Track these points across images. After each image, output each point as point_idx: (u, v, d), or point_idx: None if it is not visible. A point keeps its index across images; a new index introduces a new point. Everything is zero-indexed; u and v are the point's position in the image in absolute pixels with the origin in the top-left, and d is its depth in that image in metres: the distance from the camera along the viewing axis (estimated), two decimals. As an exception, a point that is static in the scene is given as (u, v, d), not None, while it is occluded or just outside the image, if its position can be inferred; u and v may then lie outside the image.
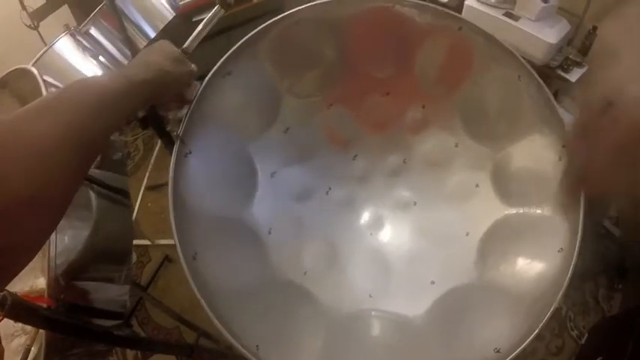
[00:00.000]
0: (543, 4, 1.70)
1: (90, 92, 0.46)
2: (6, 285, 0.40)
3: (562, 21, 1.79)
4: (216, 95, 0.73)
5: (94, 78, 0.51)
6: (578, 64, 1.77)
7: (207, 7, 2.22)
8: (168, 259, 1.85)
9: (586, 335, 1.51)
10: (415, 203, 0.93)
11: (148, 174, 2.15)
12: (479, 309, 0.75)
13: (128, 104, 0.51)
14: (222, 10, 0.68)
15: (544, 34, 1.68)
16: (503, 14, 1.74)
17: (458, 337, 0.72)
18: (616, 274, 1.63)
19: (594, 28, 1.73)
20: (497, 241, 0.80)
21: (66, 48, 1.40)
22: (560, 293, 0.64)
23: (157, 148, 2.21)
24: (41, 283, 0.81)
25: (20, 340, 0.76)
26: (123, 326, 0.83)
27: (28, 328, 0.71)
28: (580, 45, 1.78)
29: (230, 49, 0.74)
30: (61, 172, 0.39)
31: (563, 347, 1.55)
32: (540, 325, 0.61)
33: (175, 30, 1.77)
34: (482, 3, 1.79)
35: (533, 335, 0.61)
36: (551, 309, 0.62)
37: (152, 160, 2.20)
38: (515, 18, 1.72)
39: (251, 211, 0.81)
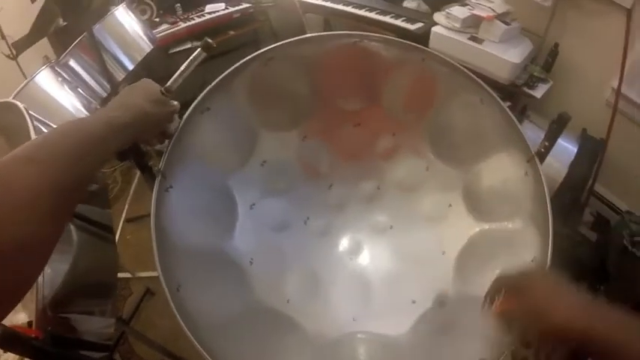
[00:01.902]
0: (506, 27, 1.79)
1: (74, 139, 0.47)
2: None
3: (525, 41, 1.88)
4: (196, 131, 0.74)
5: (76, 123, 0.52)
6: (543, 80, 1.85)
7: (184, 40, 2.29)
8: (150, 292, 1.83)
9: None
10: (391, 227, 0.96)
11: (127, 206, 2.13)
12: (460, 324, 0.77)
13: (110, 146, 0.52)
14: (204, 53, 0.70)
15: (508, 55, 1.77)
16: (469, 38, 1.82)
17: (442, 352, 0.74)
18: (596, 279, 1.66)
19: (556, 46, 1.83)
20: (473, 256, 0.83)
21: (46, 80, 1.41)
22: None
23: (136, 180, 2.20)
24: (22, 319, 0.80)
25: None
26: (108, 358, 0.83)
27: (11, 358, 0.71)
28: (543, 62, 1.88)
29: (204, 80, 0.76)
30: (46, 219, 0.40)
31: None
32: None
33: (153, 61, 1.80)
34: (449, 29, 1.87)
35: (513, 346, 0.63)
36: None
37: (131, 192, 2.18)
38: (480, 41, 1.81)
39: (232, 242, 0.82)
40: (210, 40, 0.69)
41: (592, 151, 1.70)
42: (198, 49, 0.69)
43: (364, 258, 0.95)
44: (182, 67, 0.69)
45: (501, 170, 0.82)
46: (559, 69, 1.89)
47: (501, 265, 0.78)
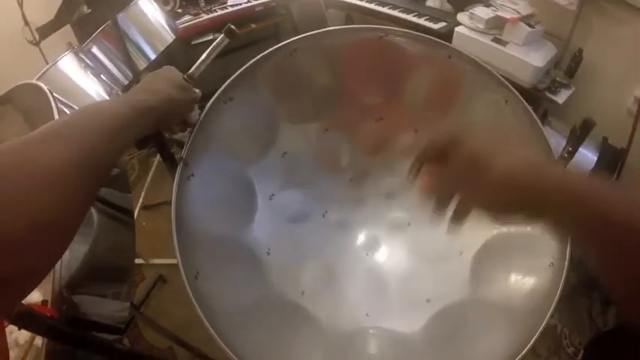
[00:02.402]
0: (530, 29, 1.77)
1: (100, 119, 0.47)
2: (15, 307, 0.40)
3: (548, 44, 1.86)
4: (218, 120, 0.75)
5: (102, 104, 0.52)
6: (565, 86, 1.83)
7: (206, 31, 2.30)
8: (162, 279, 1.85)
9: (582, 352, 1.52)
10: (409, 224, 0.96)
11: (143, 193, 2.16)
12: (473, 325, 0.77)
13: (135, 130, 0.52)
14: (227, 39, 0.70)
15: (531, 58, 1.74)
16: (492, 40, 1.81)
17: (453, 353, 0.74)
18: (609, 289, 1.63)
19: (580, 51, 1.80)
20: (490, 258, 0.82)
21: (69, 65, 1.43)
22: (552, 306, 0.65)
23: (153, 167, 2.22)
24: (35, 298, 0.81)
25: (13, 354, 0.77)
26: (120, 340, 0.84)
27: (21, 340, 0.72)
28: (566, 67, 1.85)
29: (225, 73, 0.76)
30: (72, 198, 0.39)
31: (560, 364, 1.55)
32: (534, 338, 0.63)
33: (175, 52, 1.81)
34: (472, 29, 1.86)
35: (527, 348, 0.63)
36: (544, 322, 0.64)
37: (148, 180, 2.20)
38: (503, 43, 1.79)
39: (250, 232, 0.83)
40: (233, 27, 0.69)
41: (612, 160, 1.68)
42: (221, 36, 0.69)
43: (381, 254, 0.95)
44: (204, 54, 0.70)
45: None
46: (582, 75, 1.86)
47: (517, 269, 0.77)
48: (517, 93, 0.79)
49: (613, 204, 0.37)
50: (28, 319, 0.58)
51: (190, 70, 0.68)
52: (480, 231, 0.85)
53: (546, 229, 0.43)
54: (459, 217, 0.50)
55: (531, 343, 0.63)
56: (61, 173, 0.38)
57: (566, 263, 0.68)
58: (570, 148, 1.50)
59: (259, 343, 0.68)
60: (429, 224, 0.92)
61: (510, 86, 0.79)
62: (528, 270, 0.75)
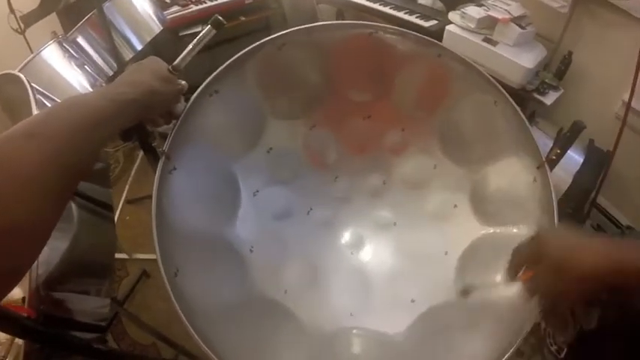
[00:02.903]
0: (521, 30, 1.77)
1: (76, 117, 0.45)
2: None
3: (539, 46, 1.86)
4: (203, 113, 0.73)
5: (80, 98, 0.50)
6: (554, 88, 1.84)
7: (195, 22, 2.26)
8: (146, 274, 1.82)
9: (565, 350, 1.52)
10: (395, 223, 0.95)
11: (127, 187, 2.12)
12: (458, 327, 0.76)
13: (115, 124, 0.50)
14: (214, 30, 0.69)
15: (521, 59, 1.75)
16: (483, 40, 1.80)
17: (438, 354, 0.74)
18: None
19: (569, 54, 1.81)
20: (476, 259, 0.82)
21: (53, 55, 1.39)
22: (538, 309, 0.66)
23: (138, 161, 2.19)
24: (16, 294, 0.79)
25: None
26: (102, 338, 0.82)
27: (3, 338, 0.70)
28: (556, 69, 1.86)
29: (212, 65, 0.74)
30: (47, 198, 0.38)
31: (543, 363, 1.56)
32: (518, 341, 0.63)
33: (162, 43, 1.78)
34: (463, 29, 1.85)
35: (511, 351, 0.62)
36: (530, 324, 0.64)
37: (132, 173, 2.17)
38: (494, 43, 1.79)
39: (233, 228, 0.81)
40: (220, 18, 0.67)
41: (598, 162, 1.69)
42: (208, 26, 0.68)
43: (366, 253, 0.94)
44: (190, 45, 0.68)
45: (510, 174, 0.81)
46: (571, 77, 1.87)
47: (502, 271, 0.77)
48: (506, 94, 0.78)
49: None
50: (2, 321, 0.55)
51: (176, 62, 0.66)
52: (465, 231, 0.85)
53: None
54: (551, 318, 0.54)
55: (515, 346, 0.63)
56: (35, 174, 0.37)
57: None
58: (558, 150, 1.51)
59: (240, 342, 0.66)
60: (414, 224, 0.92)
61: (500, 87, 0.79)
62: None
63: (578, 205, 1.64)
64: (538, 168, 0.75)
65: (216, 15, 0.68)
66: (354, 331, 0.81)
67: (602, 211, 1.86)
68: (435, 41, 0.81)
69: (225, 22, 0.69)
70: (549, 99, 1.81)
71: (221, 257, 0.77)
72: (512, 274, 0.56)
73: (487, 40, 1.81)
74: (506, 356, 0.62)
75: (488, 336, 0.69)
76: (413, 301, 0.83)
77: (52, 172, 0.39)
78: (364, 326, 0.81)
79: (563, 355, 1.53)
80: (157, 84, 0.58)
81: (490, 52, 1.77)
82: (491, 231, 0.83)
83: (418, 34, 0.81)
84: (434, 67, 0.82)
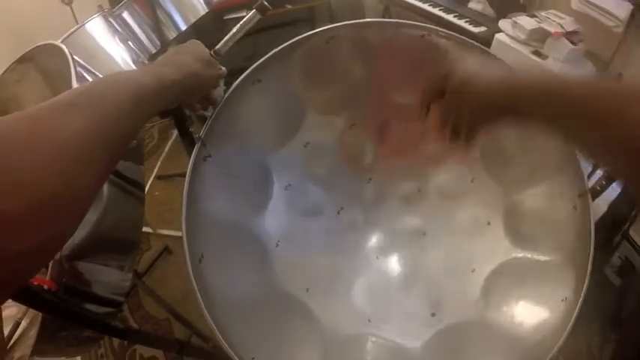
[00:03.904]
0: (572, 47, 1.70)
1: (122, 89, 0.45)
2: (25, 283, 0.38)
3: (588, 64, 1.79)
4: (243, 101, 0.72)
5: (124, 74, 0.50)
6: (601, 110, 1.76)
7: (240, 7, 2.26)
8: (168, 250, 1.85)
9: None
10: (425, 233, 0.92)
11: (159, 163, 2.16)
12: (477, 348, 0.74)
13: (157, 103, 0.50)
14: (259, 15, 0.68)
15: (570, 77, 1.68)
16: (532, 52, 1.74)
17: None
18: (610, 324, 1.61)
19: (619, 76, 1.73)
20: (503, 281, 0.79)
21: (97, 29, 1.41)
22: (560, 343, 0.63)
23: (172, 138, 2.22)
24: (42, 264, 0.80)
25: (11, 312, 0.76)
26: (117, 313, 0.83)
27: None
28: (605, 91, 1.78)
29: (254, 51, 0.74)
30: (89, 170, 0.37)
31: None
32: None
33: (206, 25, 1.78)
34: (513, 38, 1.79)
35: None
36: (549, 357, 0.62)
37: (165, 150, 2.20)
38: (544, 57, 1.72)
39: (262, 220, 0.81)
40: (266, 3, 0.67)
41: (635, 193, 1.62)
42: (253, 11, 0.67)
43: (391, 259, 0.92)
44: (234, 30, 0.67)
45: (550, 199, 0.78)
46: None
47: (529, 298, 0.74)
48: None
49: (570, 83, 0.44)
50: (23, 292, 0.56)
51: (218, 46, 0.66)
52: (496, 251, 0.83)
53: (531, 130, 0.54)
54: (455, 134, 0.58)
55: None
56: (75, 144, 0.36)
57: (580, 301, 0.65)
58: (604, 182, 1.46)
59: (257, 336, 0.66)
60: (444, 236, 0.90)
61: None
62: (540, 300, 0.73)
63: (609, 235, 1.59)
64: (580, 196, 0.72)
65: (263, 1, 0.67)
66: (371, 338, 0.79)
67: (632, 243, 1.78)
68: (486, 49, 0.79)
69: (270, 8, 0.68)
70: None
71: (246, 248, 0.76)
72: (424, 109, 0.62)
73: (536, 52, 1.74)
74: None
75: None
76: (433, 314, 0.81)
77: (94, 144, 0.38)
78: (381, 334, 0.79)
79: None
80: (199, 67, 0.58)
81: (539, 65, 1.71)
82: (521, 255, 0.80)
83: (474, 42, 0.78)
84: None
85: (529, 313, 0.73)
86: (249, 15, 0.67)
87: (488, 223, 0.86)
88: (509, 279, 0.79)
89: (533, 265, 0.78)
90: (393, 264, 0.91)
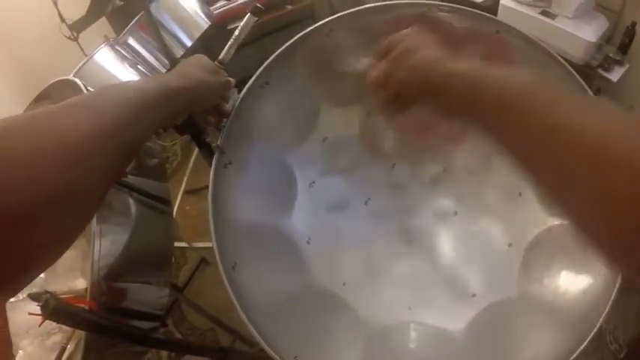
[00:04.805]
0: (580, 0, 1.63)
1: (131, 97, 0.45)
2: (31, 282, 0.39)
3: (600, 17, 1.71)
4: (255, 106, 0.73)
5: (133, 82, 0.51)
6: (619, 63, 1.68)
7: (242, 15, 2.25)
8: (205, 262, 1.88)
9: (625, 349, 1.45)
10: (456, 213, 0.91)
11: (186, 178, 2.20)
12: (521, 324, 0.72)
13: (166, 108, 0.51)
14: (254, 18, 0.68)
15: (583, 32, 1.61)
16: (540, 12, 1.67)
17: (499, 353, 0.70)
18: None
19: (633, 25, 1.65)
20: (541, 253, 0.77)
21: (106, 58, 1.45)
22: (607, 310, 0.61)
23: (195, 152, 2.26)
24: (80, 284, 0.83)
25: (56, 338, 0.79)
26: (160, 327, 0.85)
27: (65, 326, 0.74)
28: (619, 42, 1.70)
29: (263, 56, 0.74)
30: (97, 171, 0.38)
31: (602, 361, 1.48)
32: (585, 343, 0.59)
33: (212, 38, 1.81)
34: (518, 2, 1.73)
35: (577, 353, 0.59)
36: (597, 326, 0.60)
37: (190, 165, 2.25)
38: (552, 16, 1.66)
39: (290, 220, 0.81)
40: (258, 4, 0.67)
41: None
42: (248, 15, 0.67)
43: (425, 245, 0.90)
44: (233, 37, 0.68)
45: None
46: (636, 51, 1.71)
47: (570, 267, 0.72)
48: (573, 71, 0.72)
49: (491, 78, 0.40)
50: (63, 315, 0.58)
51: (221, 55, 0.67)
52: (531, 222, 0.80)
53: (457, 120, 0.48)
54: (384, 106, 0.55)
55: (582, 347, 0.59)
56: (82, 145, 0.36)
57: None
58: None
59: (297, 334, 0.67)
60: (476, 213, 0.88)
61: (566, 64, 0.73)
62: (583, 268, 0.70)
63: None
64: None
65: (255, 3, 0.67)
66: (412, 325, 0.78)
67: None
68: (493, 17, 0.76)
69: (263, 9, 0.68)
70: (615, 75, 1.67)
71: (278, 249, 0.77)
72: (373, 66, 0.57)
73: (545, 13, 1.68)
74: (572, 358, 0.59)
75: (553, 335, 0.65)
76: (474, 295, 0.79)
77: (103, 146, 0.38)
78: (422, 320, 0.79)
79: (622, 355, 1.45)
80: (206, 75, 0.59)
81: (549, 25, 1.65)
82: (559, 223, 0.77)
83: (473, 10, 0.76)
84: (493, 44, 0.77)
85: (572, 282, 0.71)
86: (244, 19, 0.67)
87: (520, 195, 0.83)
88: (547, 249, 0.77)
89: (570, 232, 0.75)
90: (428, 248, 0.90)
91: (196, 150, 2.23)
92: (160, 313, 0.85)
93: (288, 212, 0.82)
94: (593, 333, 0.59)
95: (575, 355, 0.58)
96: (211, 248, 0.63)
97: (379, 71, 0.54)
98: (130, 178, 0.89)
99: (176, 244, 1.90)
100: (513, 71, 0.43)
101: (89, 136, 0.37)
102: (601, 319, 0.60)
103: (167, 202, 0.93)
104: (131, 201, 0.86)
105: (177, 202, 2.08)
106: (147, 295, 0.85)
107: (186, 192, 2.15)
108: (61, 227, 0.36)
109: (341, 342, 0.73)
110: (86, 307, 0.65)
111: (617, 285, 0.61)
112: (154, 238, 0.91)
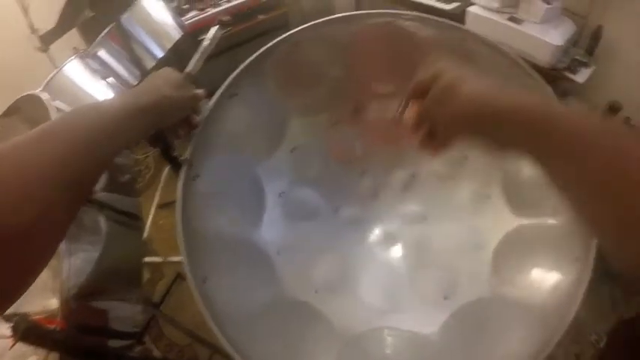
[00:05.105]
0: (547, 6, 1.68)
1: (89, 123, 0.45)
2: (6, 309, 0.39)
3: (567, 22, 1.77)
4: (223, 117, 0.73)
5: (93, 106, 0.50)
6: (585, 65, 1.75)
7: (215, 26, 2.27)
8: (180, 277, 1.85)
9: (605, 339, 1.48)
10: (425, 218, 0.92)
11: (159, 192, 2.17)
12: (495, 323, 0.73)
13: (128, 132, 0.50)
14: (221, 30, 0.68)
15: (549, 37, 1.67)
16: (507, 19, 1.73)
17: (475, 353, 0.71)
18: (634, 277, 1.60)
19: (599, 28, 1.72)
20: (511, 253, 0.79)
21: (75, 71, 1.42)
22: (578, 303, 0.63)
23: (168, 166, 2.23)
24: (53, 304, 0.81)
25: None
26: (136, 345, 0.83)
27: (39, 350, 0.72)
28: (586, 45, 1.77)
29: (235, 66, 0.74)
30: (57, 201, 0.38)
31: (582, 353, 1.52)
32: (558, 338, 0.60)
33: (184, 49, 1.79)
34: (486, 8, 1.78)
35: (550, 349, 0.60)
36: (570, 319, 0.61)
37: (163, 178, 2.21)
38: (519, 22, 1.71)
39: (260, 231, 0.81)
40: (225, 18, 0.67)
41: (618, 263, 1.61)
42: (215, 28, 0.67)
43: (396, 249, 0.91)
44: (201, 49, 0.68)
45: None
46: (602, 53, 1.77)
47: (540, 264, 0.73)
48: (537, 75, 0.74)
49: (558, 115, 0.40)
50: (34, 336, 0.57)
51: (188, 68, 0.66)
52: (500, 223, 0.82)
53: (507, 155, 0.47)
54: (426, 142, 0.55)
55: (555, 342, 0.60)
56: (47, 176, 0.37)
57: (593, 256, 0.64)
58: None
59: (271, 345, 0.66)
60: (446, 218, 0.89)
61: (529, 67, 0.75)
62: (552, 264, 0.72)
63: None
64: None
65: (222, 16, 0.67)
66: (387, 330, 0.79)
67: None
68: (456, 24, 0.77)
69: (230, 20, 0.68)
70: (582, 77, 1.73)
71: (249, 261, 0.77)
72: (404, 106, 0.57)
73: (512, 19, 1.73)
74: (544, 355, 0.60)
75: (527, 332, 0.66)
76: (446, 298, 0.80)
77: (61, 179, 0.39)
78: (396, 326, 0.79)
79: (602, 345, 1.48)
80: (169, 90, 0.58)
81: (516, 31, 1.70)
82: (527, 222, 0.79)
83: (438, 18, 0.77)
84: (458, 52, 0.78)
85: (543, 280, 0.72)
86: (211, 31, 0.67)
87: (488, 197, 0.85)
88: (517, 249, 0.78)
89: (539, 231, 0.77)
90: (399, 254, 0.91)
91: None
92: (136, 331, 0.84)
93: (258, 223, 0.81)
94: (566, 327, 0.61)
95: (549, 350, 0.60)
96: (186, 262, 0.62)
97: (419, 109, 0.53)
98: (101, 195, 0.88)
99: (151, 259, 1.87)
100: (569, 108, 0.45)
101: (51, 169, 0.38)
102: (573, 313, 0.61)
103: (137, 218, 0.92)
104: (102, 218, 0.85)
105: (151, 216, 2.05)
106: (121, 312, 0.84)
107: (160, 206, 2.12)
108: (30, 256, 0.36)
109: (316, 351, 0.73)
110: (57, 328, 0.64)
111: (588, 279, 0.63)
112: (126, 255, 0.90)
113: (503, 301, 0.74)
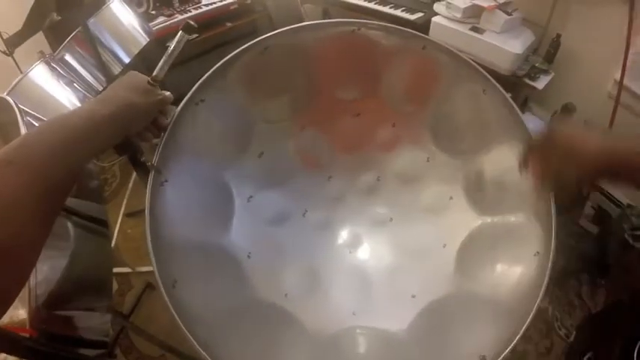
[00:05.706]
0: (507, 17, 1.77)
1: (53, 139, 0.45)
2: None
3: (526, 31, 1.86)
4: (190, 123, 0.72)
5: (57, 120, 0.50)
6: (545, 72, 1.83)
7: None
8: (150, 287, 1.82)
9: (574, 333, 1.54)
10: (391, 219, 0.95)
11: (125, 201, 2.12)
12: (461, 319, 0.76)
13: (94, 142, 0.50)
14: (187, 36, 0.68)
15: (509, 45, 1.75)
16: (470, 29, 1.80)
17: (443, 348, 0.73)
18: (597, 271, 1.68)
19: (558, 36, 1.81)
20: (474, 250, 0.82)
21: (41, 76, 1.39)
22: (540, 295, 0.65)
23: (135, 174, 2.19)
24: (21, 315, 0.79)
25: None
26: (106, 356, 0.82)
27: (11, 358, 0.70)
28: (545, 53, 1.86)
29: (204, 73, 0.74)
30: (29, 222, 0.39)
31: (552, 347, 1.58)
32: (522, 330, 0.63)
33: (151, 54, 1.77)
34: (449, 19, 1.85)
35: (516, 339, 0.62)
36: (533, 311, 0.64)
37: (130, 186, 2.17)
38: (481, 31, 1.79)
39: (229, 236, 0.81)
40: (191, 22, 0.67)
41: None
42: (180, 32, 0.67)
43: (364, 251, 0.93)
44: (166, 54, 0.67)
45: (503, 162, 0.80)
46: (561, 60, 1.87)
47: (503, 260, 0.77)
48: (494, 81, 0.78)
49: None
50: (4, 342, 0.56)
51: (154, 73, 0.66)
52: (462, 222, 0.85)
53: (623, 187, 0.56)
54: (561, 195, 0.67)
55: (520, 334, 0.63)
56: (16, 199, 0.38)
57: (552, 252, 0.68)
58: None
59: (243, 349, 0.66)
60: (411, 219, 0.92)
61: (486, 74, 0.78)
62: (514, 260, 0.75)
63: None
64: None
65: (187, 20, 0.67)
66: (358, 330, 0.80)
67: (602, 191, 1.86)
68: (418, 33, 0.80)
69: (196, 26, 0.68)
70: (541, 83, 1.81)
71: (219, 265, 0.76)
72: (525, 163, 0.67)
73: (474, 29, 1.81)
74: (510, 346, 0.62)
75: (493, 325, 0.69)
76: (414, 296, 0.83)
77: (33, 196, 0.39)
78: (367, 325, 0.81)
79: (571, 339, 1.55)
80: (134, 96, 0.58)
81: (478, 40, 1.77)
82: (489, 220, 0.83)
83: (401, 28, 0.80)
84: (420, 59, 0.81)
85: (506, 275, 0.75)
86: (177, 37, 0.67)
87: (451, 198, 0.89)
88: (480, 247, 0.82)
89: (500, 229, 0.80)
90: (366, 255, 0.93)
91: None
92: (106, 340, 0.82)
93: (227, 228, 0.81)
94: (529, 319, 0.63)
95: (516, 340, 0.62)
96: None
97: (543, 169, 0.63)
98: (70, 201, 0.86)
99: (119, 269, 1.83)
100: None
101: (19, 191, 0.38)
102: (536, 305, 0.64)
103: (105, 224, 0.90)
104: (70, 224, 0.83)
105: (118, 226, 2.00)
106: (90, 321, 0.82)
107: (127, 214, 2.08)
108: (6, 278, 0.37)
109: (289, 354, 0.73)
110: (28, 336, 0.62)
111: (548, 272, 0.67)
112: (94, 262, 0.88)
113: (469, 297, 0.77)
